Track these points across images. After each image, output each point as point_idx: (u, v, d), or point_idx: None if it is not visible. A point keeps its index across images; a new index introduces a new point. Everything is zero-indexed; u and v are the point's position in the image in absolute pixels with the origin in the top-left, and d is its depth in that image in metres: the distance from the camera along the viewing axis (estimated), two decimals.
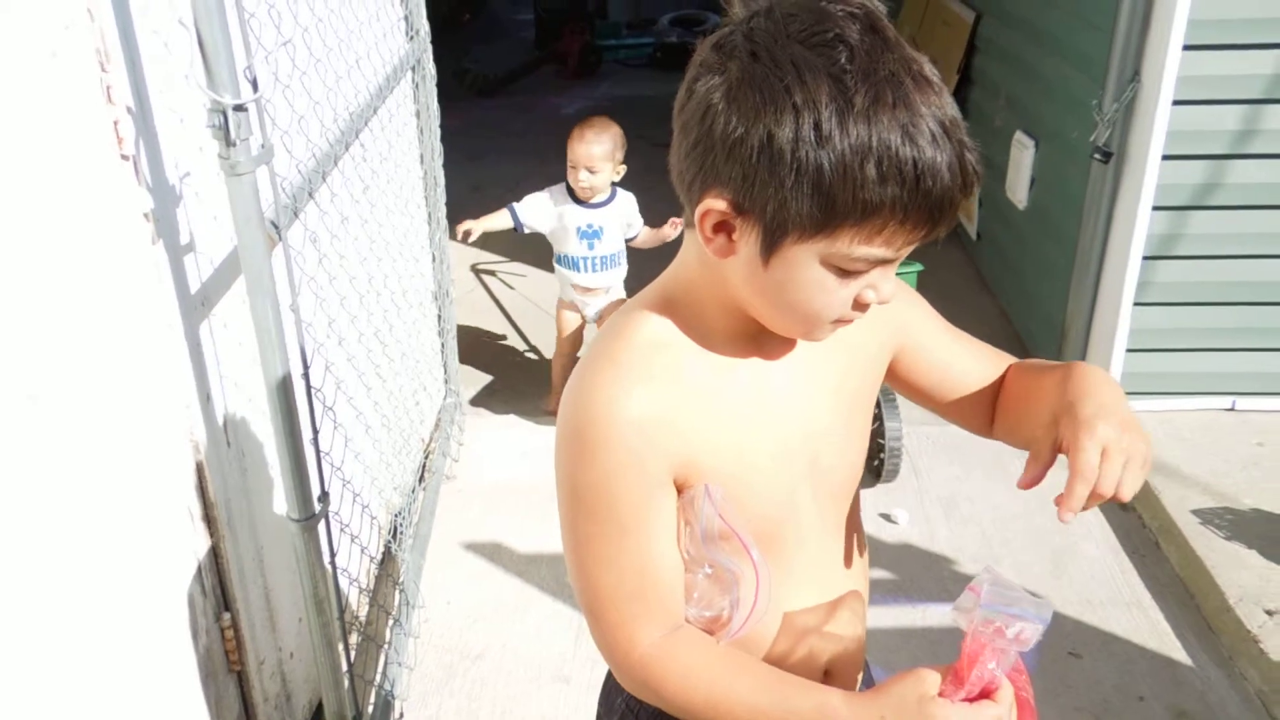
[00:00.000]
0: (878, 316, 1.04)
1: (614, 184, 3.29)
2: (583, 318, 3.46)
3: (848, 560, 1.11)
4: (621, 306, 1.03)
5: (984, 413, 1.13)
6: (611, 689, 1.18)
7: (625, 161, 3.27)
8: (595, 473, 0.92)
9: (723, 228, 0.89)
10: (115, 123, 1.44)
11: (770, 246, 0.86)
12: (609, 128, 3.21)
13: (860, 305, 0.91)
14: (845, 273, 0.87)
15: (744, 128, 0.83)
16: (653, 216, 3.37)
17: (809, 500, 1.04)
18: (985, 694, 0.87)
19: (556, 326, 3.53)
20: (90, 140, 1.42)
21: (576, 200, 3.27)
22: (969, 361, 1.13)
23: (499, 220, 3.30)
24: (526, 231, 3.35)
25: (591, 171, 3.19)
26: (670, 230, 3.36)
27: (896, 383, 1.14)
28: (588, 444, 0.92)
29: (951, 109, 0.84)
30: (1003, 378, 1.12)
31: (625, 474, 0.91)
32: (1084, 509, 0.89)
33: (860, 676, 1.15)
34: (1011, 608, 0.86)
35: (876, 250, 0.85)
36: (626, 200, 3.34)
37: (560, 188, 3.31)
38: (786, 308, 0.91)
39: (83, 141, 1.41)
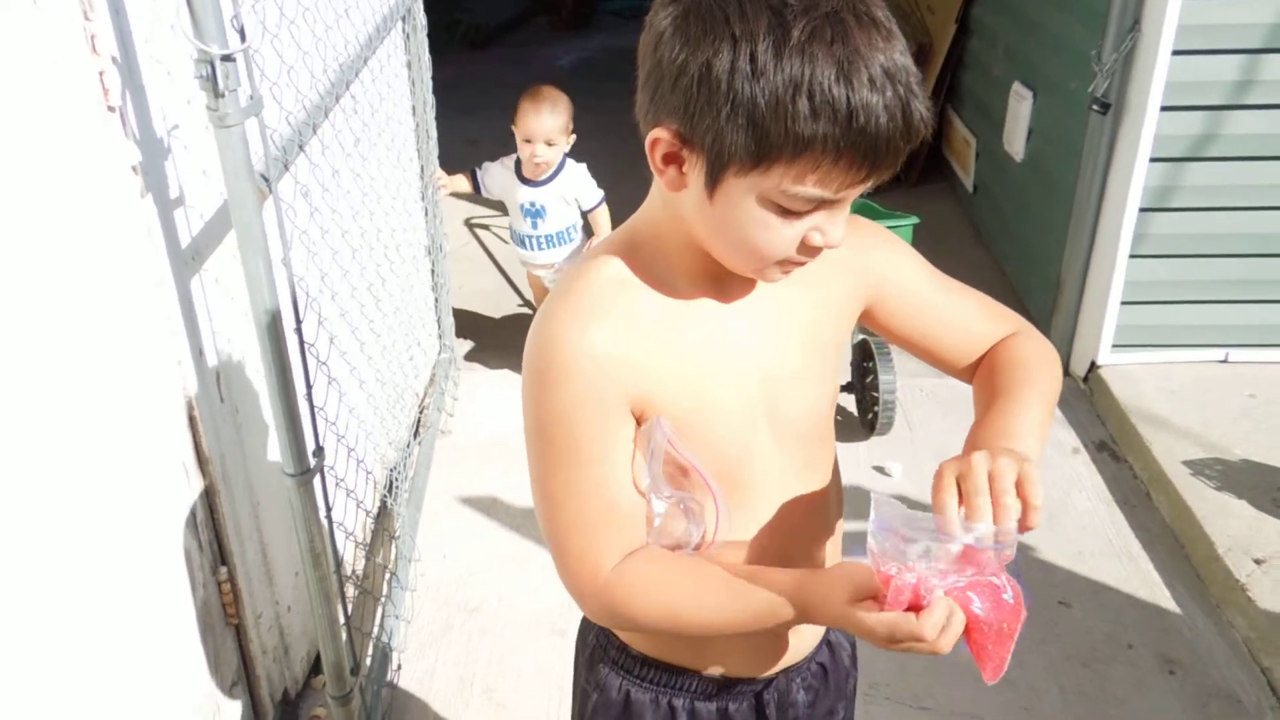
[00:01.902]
0: (849, 264, 1.04)
1: (565, 154, 3.22)
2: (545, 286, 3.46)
3: (815, 506, 1.11)
4: (588, 249, 1.03)
5: (966, 371, 1.12)
6: (586, 626, 1.22)
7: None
8: (555, 406, 0.94)
9: (672, 159, 0.89)
10: (100, 73, 1.42)
11: (713, 179, 0.87)
12: (561, 98, 3.12)
13: (808, 248, 0.91)
14: (786, 211, 0.87)
15: (685, 56, 0.84)
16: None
17: (770, 444, 1.04)
18: (913, 609, 0.87)
19: (532, 290, 3.62)
20: (75, 92, 1.40)
21: (521, 178, 3.21)
22: (956, 315, 1.11)
23: (462, 182, 3.32)
24: (485, 195, 3.36)
25: (550, 144, 3.11)
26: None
27: (880, 331, 1.13)
28: (547, 379, 0.94)
29: (900, 56, 0.83)
30: (994, 346, 1.10)
31: (584, 406, 0.94)
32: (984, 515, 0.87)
33: None
34: (910, 530, 0.86)
35: (812, 189, 0.85)
36: (574, 174, 3.22)
37: (512, 159, 3.24)
38: (733, 244, 0.92)
39: (67, 93, 1.39)
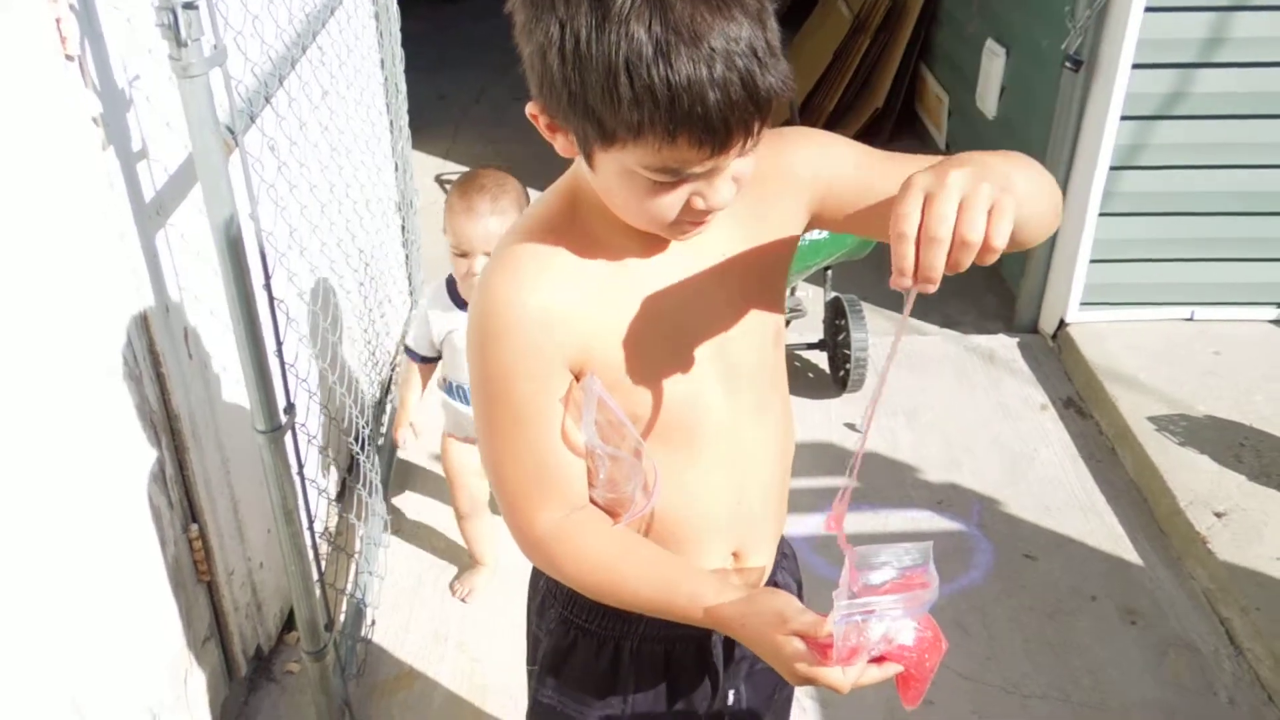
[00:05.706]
0: (782, 183, 1.00)
1: None
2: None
3: (768, 452, 1.12)
4: (530, 204, 1.02)
5: None
6: (536, 573, 1.26)
7: None
8: (497, 362, 0.95)
9: (556, 128, 0.89)
10: (57, 21, 1.38)
11: (586, 153, 0.87)
12: (508, 184, 2.09)
13: (694, 211, 0.88)
14: (657, 184, 0.85)
15: (523, 41, 0.83)
16: None
17: (718, 389, 1.04)
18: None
19: (445, 472, 2.37)
20: (31, 39, 1.36)
21: (457, 299, 2.21)
22: (906, 174, 1.00)
23: (416, 384, 2.35)
24: (434, 354, 2.29)
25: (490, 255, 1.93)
26: None
27: (839, 225, 1.04)
28: (490, 335, 0.95)
29: (736, 26, 0.77)
30: None
31: (524, 363, 0.95)
32: (936, 272, 0.75)
33: (773, 559, 1.19)
34: (874, 609, 0.87)
35: (670, 164, 0.82)
36: None
37: (439, 290, 2.25)
38: (624, 208, 0.91)
39: (22, 40, 1.35)
